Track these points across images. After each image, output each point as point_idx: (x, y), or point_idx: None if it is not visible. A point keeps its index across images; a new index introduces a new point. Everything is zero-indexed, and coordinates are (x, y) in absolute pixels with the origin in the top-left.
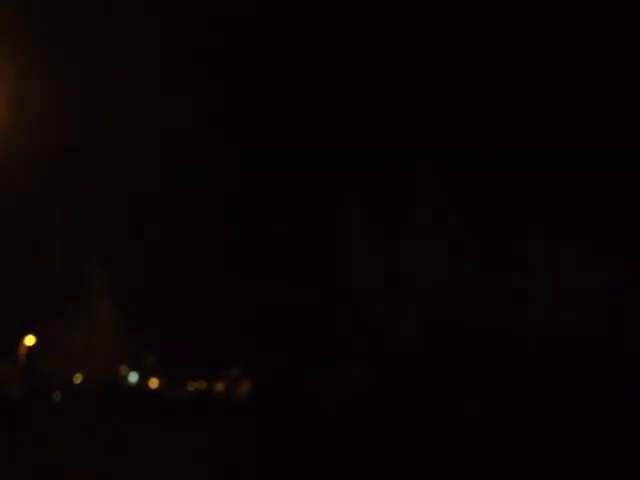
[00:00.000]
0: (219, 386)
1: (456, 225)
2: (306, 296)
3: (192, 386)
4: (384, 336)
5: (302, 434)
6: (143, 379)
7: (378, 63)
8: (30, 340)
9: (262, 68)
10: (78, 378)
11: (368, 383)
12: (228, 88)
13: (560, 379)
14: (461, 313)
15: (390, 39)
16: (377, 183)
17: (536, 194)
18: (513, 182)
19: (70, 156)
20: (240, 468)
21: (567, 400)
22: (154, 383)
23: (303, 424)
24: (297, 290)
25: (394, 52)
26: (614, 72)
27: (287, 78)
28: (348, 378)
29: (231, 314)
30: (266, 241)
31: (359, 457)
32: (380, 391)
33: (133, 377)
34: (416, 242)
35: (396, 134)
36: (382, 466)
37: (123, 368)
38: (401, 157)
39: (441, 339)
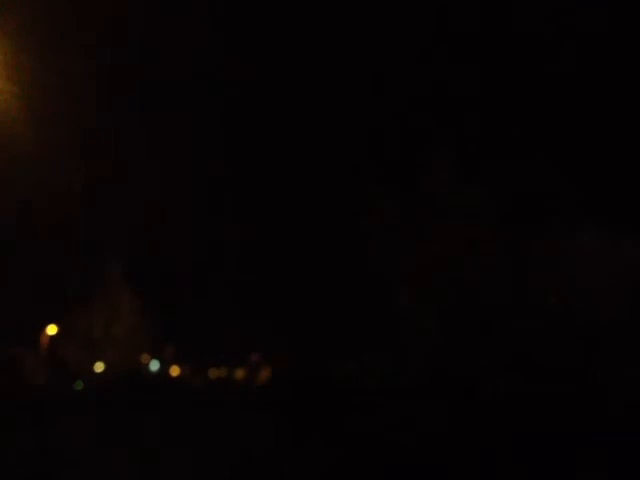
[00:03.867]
0: (239, 373)
1: (479, 214)
2: (329, 283)
3: (213, 374)
4: (407, 323)
5: (322, 419)
6: (164, 367)
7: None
8: (52, 329)
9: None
10: (100, 367)
11: (390, 369)
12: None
13: (581, 363)
14: (483, 300)
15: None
16: (402, 173)
17: (557, 182)
18: (534, 171)
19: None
20: (260, 454)
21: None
22: (175, 371)
23: (324, 410)
24: (320, 277)
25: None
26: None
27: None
28: (370, 364)
29: (253, 301)
30: (290, 229)
31: (379, 441)
32: (402, 377)
33: (154, 365)
34: (439, 231)
35: (417, 124)
36: (402, 449)
37: (145, 357)
38: (424, 146)
39: (463, 326)
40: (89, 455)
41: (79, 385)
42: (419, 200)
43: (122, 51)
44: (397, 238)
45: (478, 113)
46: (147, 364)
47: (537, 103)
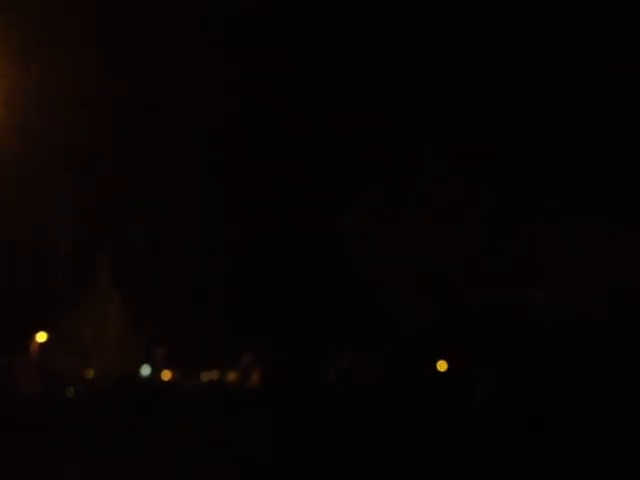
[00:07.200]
0: (231, 375)
1: (469, 210)
2: (320, 283)
3: (205, 377)
4: (399, 321)
5: (315, 421)
6: (156, 372)
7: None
8: (41, 337)
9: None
10: (90, 373)
11: (383, 368)
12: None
13: (573, 358)
14: (475, 297)
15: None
16: (390, 169)
17: (548, 176)
18: (525, 164)
19: (75, 157)
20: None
21: (581, 379)
22: (167, 375)
23: (316, 411)
24: (311, 277)
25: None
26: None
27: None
28: (363, 364)
29: (244, 302)
30: (277, 231)
31: (372, 442)
32: (395, 376)
33: (146, 370)
34: (429, 227)
35: (408, 121)
36: (394, 451)
37: (136, 362)
38: (413, 142)
39: (455, 322)
40: (82, 462)
41: (70, 392)
42: (406, 197)
43: (108, 56)
44: (384, 236)
45: (467, 108)
46: (138, 369)
47: (528, 95)
